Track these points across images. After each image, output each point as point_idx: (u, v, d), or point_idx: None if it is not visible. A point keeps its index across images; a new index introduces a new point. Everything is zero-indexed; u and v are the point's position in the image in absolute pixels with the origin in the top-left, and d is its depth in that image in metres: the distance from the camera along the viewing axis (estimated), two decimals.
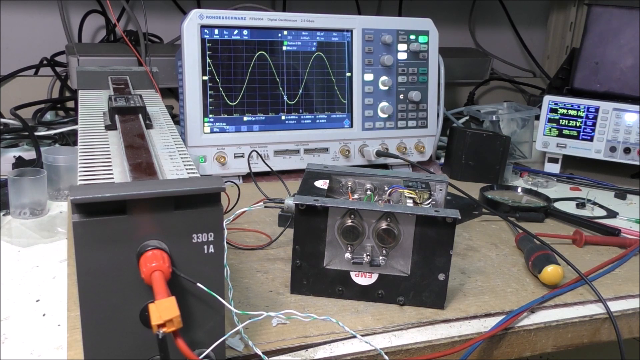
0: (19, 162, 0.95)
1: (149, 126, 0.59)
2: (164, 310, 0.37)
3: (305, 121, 1.05)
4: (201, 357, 0.44)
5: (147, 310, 0.41)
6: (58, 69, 1.25)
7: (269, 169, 0.97)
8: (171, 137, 0.57)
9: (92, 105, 0.70)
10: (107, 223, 0.40)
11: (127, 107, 0.61)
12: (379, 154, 1.07)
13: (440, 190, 0.73)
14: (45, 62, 1.26)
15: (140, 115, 0.60)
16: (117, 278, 0.41)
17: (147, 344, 0.43)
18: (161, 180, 0.44)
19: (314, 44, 1.04)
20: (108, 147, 0.53)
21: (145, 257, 0.40)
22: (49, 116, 1.19)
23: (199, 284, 0.42)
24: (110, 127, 0.59)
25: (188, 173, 0.47)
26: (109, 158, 0.50)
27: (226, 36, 0.98)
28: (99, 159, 0.49)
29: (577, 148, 1.17)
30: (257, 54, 1.00)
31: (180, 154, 0.52)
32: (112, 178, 0.45)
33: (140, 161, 0.47)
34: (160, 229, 0.41)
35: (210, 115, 0.99)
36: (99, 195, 0.39)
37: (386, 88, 1.08)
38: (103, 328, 0.42)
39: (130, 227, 0.41)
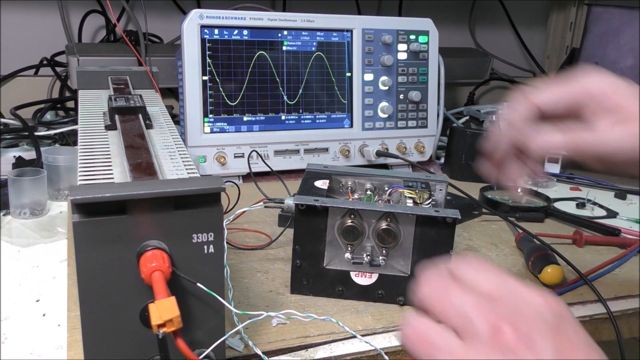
0: (19, 162, 0.95)
1: (149, 126, 0.59)
2: (164, 310, 0.37)
3: (305, 121, 1.05)
4: (201, 357, 0.44)
5: (147, 310, 0.41)
6: (58, 69, 1.25)
7: (269, 169, 0.97)
8: (171, 137, 0.57)
9: (92, 105, 0.70)
10: (107, 223, 0.40)
11: (127, 107, 0.61)
12: (379, 154, 1.07)
13: (440, 190, 0.73)
14: (45, 62, 1.26)
15: (140, 115, 0.60)
16: (117, 278, 0.41)
17: (147, 344, 0.43)
18: (161, 180, 0.44)
19: (314, 44, 1.04)
20: (108, 147, 0.53)
21: (145, 257, 0.40)
22: (49, 116, 1.19)
23: (199, 284, 0.42)
24: (110, 127, 0.59)
25: (188, 173, 0.47)
26: (109, 158, 0.50)
27: (226, 36, 0.98)
28: (99, 159, 0.49)
29: None
30: (257, 54, 1.01)
31: (180, 154, 0.52)
32: (112, 178, 0.45)
33: (140, 161, 0.47)
34: (160, 229, 0.41)
35: (210, 115, 0.99)
36: (99, 195, 0.39)
37: (386, 88, 1.08)
38: (103, 328, 0.42)
39: (130, 227, 0.41)
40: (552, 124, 0.57)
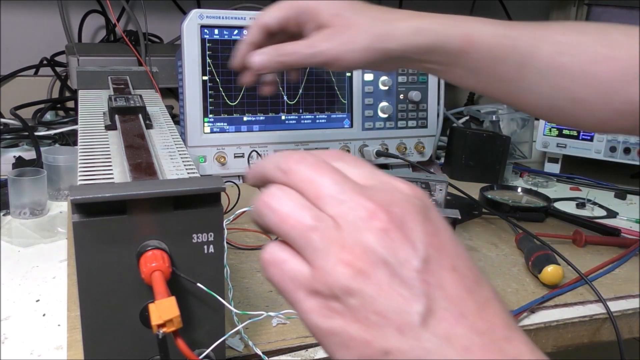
0: (19, 162, 0.95)
1: (149, 126, 0.59)
2: (164, 310, 0.37)
3: (305, 121, 1.05)
4: (201, 357, 0.44)
5: (147, 310, 0.41)
6: (58, 69, 1.25)
7: None
8: (171, 137, 0.57)
9: (92, 105, 0.70)
10: (107, 223, 0.40)
11: (127, 107, 0.61)
12: (379, 154, 1.07)
13: (440, 190, 0.73)
14: (45, 62, 1.26)
15: (140, 115, 0.60)
16: (117, 278, 0.41)
17: (147, 343, 0.43)
18: (161, 181, 0.44)
19: None
20: (108, 147, 0.53)
21: (145, 257, 0.40)
22: (49, 116, 1.19)
23: (199, 284, 0.42)
24: (110, 127, 0.58)
25: (188, 173, 0.47)
26: (109, 158, 0.50)
27: (226, 36, 0.98)
28: (99, 159, 0.49)
29: (577, 148, 1.17)
30: None
31: (180, 154, 0.52)
32: (112, 178, 0.45)
33: (140, 161, 0.47)
34: (160, 229, 0.41)
35: (210, 115, 0.99)
36: (99, 196, 0.39)
37: (386, 88, 1.08)
38: (103, 328, 0.42)
39: (130, 227, 0.41)
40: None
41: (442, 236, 0.32)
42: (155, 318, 0.37)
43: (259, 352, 0.53)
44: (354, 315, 0.30)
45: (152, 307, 0.37)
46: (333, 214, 0.32)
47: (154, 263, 0.40)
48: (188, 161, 0.50)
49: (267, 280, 0.34)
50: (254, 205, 0.34)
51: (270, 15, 0.67)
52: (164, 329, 0.37)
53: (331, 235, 0.31)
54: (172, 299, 0.38)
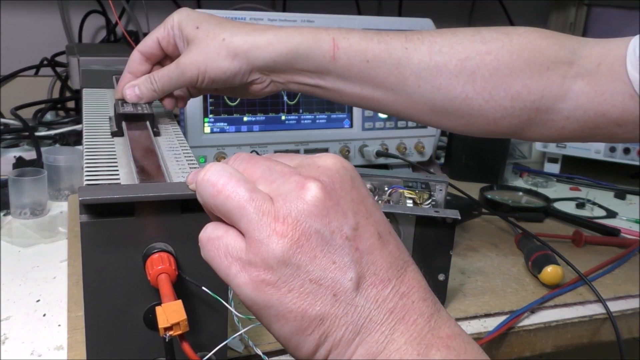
0: (19, 162, 0.95)
1: (157, 133, 0.57)
2: (171, 313, 0.37)
3: (305, 121, 1.05)
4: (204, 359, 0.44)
5: (151, 312, 0.41)
6: (58, 69, 1.25)
7: None
8: (176, 139, 0.57)
9: (97, 104, 0.69)
10: (115, 224, 0.40)
11: (135, 114, 0.59)
12: (379, 154, 1.07)
13: (440, 190, 0.73)
14: (45, 62, 1.26)
15: (147, 123, 0.58)
16: (123, 279, 0.41)
17: (150, 345, 0.44)
18: (170, 184, 0.44)
19: None
20: (114, 149, 0.52)
21: (152, 260, 0.40)
22: (49, 116, 1.19)
23: (204, 288, 0.42)
24: (117, 133, 0.57)
25: None
26: (115, 159, 0.49)
27: None
28: (104, 160, 0.49)
29: (577, 148, 1.17)
30: None
31: (185, 156, 0.51)
32: (119, 179, 0.45)
33: (147, 163, 0.47)
34: (167, 232, 0.42)
35: (210, 116, 0.99)
36: (109, 197, 0.39)
37: None
38: (107, 328, 0.42)
39: (138, 229, 0.41)
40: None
41: (367, 203, 0.35)
42: (163, 321, 0.37)
43: (260, 353, 0.53)
44: (288, 285, 0.32)
45: (159, 310, 0.37)
46: (267, 191, 0.34)
47: (160, 265, 0.40)
48: (193, 163, 0.50)
49: (205, 260, 0.35)
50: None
51: (144, 42, 0.65)
52: (171, 332, 0.37)
53: (265, 207, 0.33)
54: (179, 303, 0.38)
